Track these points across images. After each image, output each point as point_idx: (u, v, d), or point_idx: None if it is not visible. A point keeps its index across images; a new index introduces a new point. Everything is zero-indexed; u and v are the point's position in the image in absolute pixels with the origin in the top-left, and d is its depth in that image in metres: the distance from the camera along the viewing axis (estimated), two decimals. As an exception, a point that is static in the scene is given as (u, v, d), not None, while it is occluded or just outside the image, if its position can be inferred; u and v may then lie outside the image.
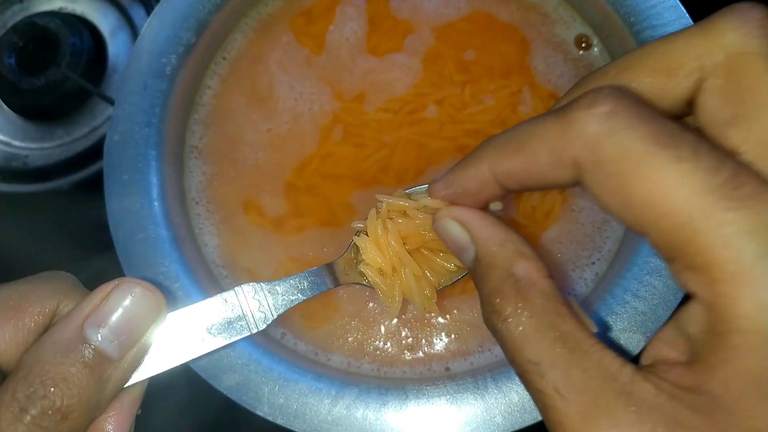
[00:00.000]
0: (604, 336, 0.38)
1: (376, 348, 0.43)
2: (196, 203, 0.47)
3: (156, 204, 0.43)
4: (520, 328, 0.22)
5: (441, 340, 0.43)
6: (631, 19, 0.43)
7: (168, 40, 0.46)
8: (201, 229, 0.46)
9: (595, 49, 0.47)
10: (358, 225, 0.36)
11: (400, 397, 0.39)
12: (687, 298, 0.22)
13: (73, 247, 0.57)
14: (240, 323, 0.33)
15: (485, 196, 0.27)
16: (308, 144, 0.46)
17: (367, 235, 0.35)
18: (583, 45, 0.47)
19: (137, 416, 0.31)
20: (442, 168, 0.45)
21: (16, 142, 0.61)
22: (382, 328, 0.43)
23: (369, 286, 0.36)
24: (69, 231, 0.58)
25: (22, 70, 0.57)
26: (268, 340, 0.43)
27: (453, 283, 0.36)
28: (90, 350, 0.27)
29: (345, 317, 0.43)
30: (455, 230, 0.27)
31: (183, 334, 0.32)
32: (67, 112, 0.60)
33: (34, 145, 0.61)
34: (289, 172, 0.46)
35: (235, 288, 0.34)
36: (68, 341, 0.27)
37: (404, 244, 0.35)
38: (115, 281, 0.29)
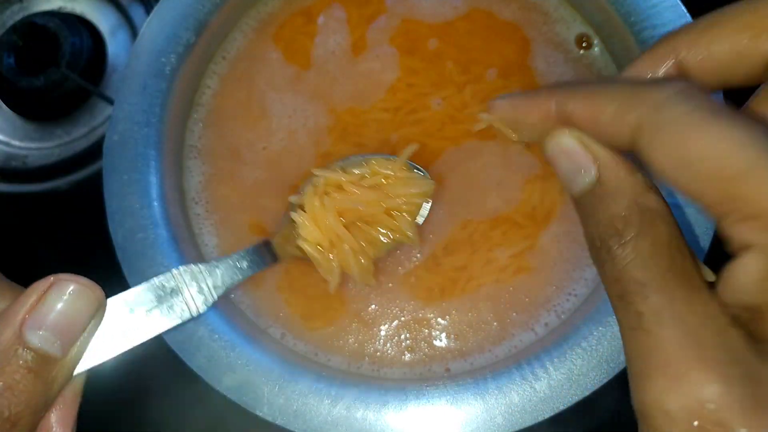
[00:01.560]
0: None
1: (376, 349, 0.43)
2: (196, 203, 0.47)
3: (155, 204, 0.43)
4: (639, 251, 0.22)
5: (441, 340, 0.43)
6: (632, 19, 0.43)
7: (167, 39, 0.46)
8: (200, 229, 0.46)
9: (596, 49, 0.47)
10: (295, 199, 0.36)
11: (400, 398, 0.39)
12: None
13: (73, 247, 0.57)
14: (180, 306, 0.32)
15: (538, 129, 0.27)
16: (306, 160, 0.46)
17: (304, 210, 0.35)
18: (584, 44, 0.47)
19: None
20: (442, 167, 0.45)
21: (15, 142, 0.61)
22: (383, 330, 0.43)
23: (307, 260, 0.36)
24: (68, 231, 0.58)
25: (22, 70, 0.57)
26: (268, 340, 0.43)
27: (387, 252, 0.37)
28: (32, 354, 0.26)
29: (345, 318, 0.43)
30: (576, 147, 0.26)
31: (122, 321, 0.31)
32: (67, 112, 0.60)
33: (33, 145, 0.61)
34: (289, 190, 0.45)
35: (172, 270, 0.33)
36: (7, 348, 0.26)
37: (341, 217, 0.34)
38: (50, 278, 0.28)
